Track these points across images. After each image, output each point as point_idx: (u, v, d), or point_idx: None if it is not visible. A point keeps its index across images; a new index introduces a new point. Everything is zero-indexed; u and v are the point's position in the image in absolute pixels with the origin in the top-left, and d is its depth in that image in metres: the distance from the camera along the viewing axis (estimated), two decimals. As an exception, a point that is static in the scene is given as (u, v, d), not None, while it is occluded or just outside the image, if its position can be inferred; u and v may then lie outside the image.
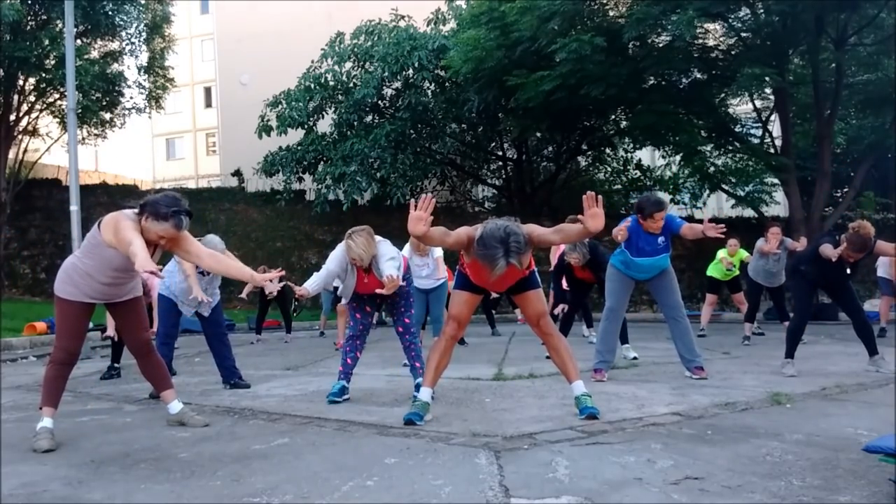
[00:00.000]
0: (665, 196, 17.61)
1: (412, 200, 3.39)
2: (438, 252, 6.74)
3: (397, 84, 16.58)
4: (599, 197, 3.34)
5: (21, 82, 16.48)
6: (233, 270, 3.77)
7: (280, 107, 16.65)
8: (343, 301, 4.85)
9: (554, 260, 7.20)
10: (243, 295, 9.79)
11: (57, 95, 16.82)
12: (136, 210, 3.47)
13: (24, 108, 17.07)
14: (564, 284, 7.11)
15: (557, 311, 7.11)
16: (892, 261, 8.31)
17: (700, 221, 4.88)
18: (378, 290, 4.27)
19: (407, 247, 6.40)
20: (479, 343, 8.58)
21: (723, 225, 4.71)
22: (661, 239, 5.10)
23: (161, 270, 5.36)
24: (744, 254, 8.72)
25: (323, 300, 11.16)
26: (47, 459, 3.15)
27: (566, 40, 11.50)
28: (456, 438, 3.29)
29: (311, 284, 4.40)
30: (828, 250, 5.11)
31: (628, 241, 5.08)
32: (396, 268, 4.30)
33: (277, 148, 17.02)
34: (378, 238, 4.47)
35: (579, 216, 3.41)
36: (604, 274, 5.57)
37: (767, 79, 12.16)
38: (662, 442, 3.15)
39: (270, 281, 3.80)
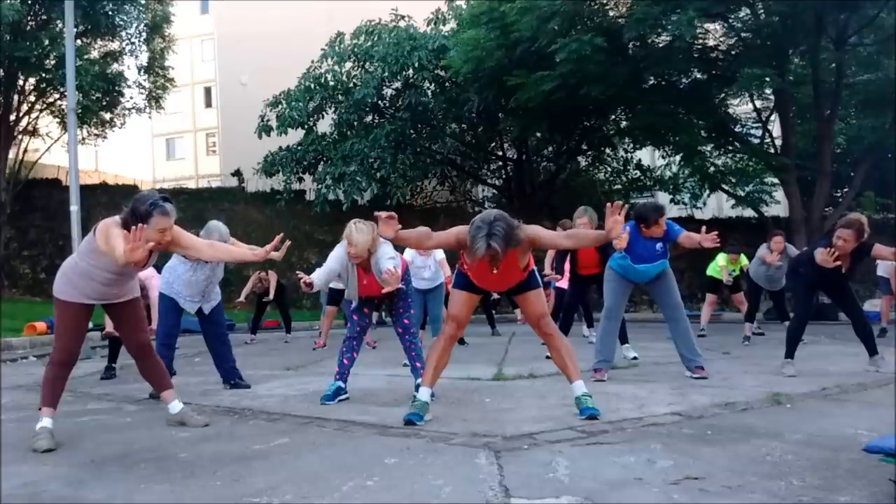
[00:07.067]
0: (664, 196, 17.65)
1: (378, 214, 3.48)
2: (440, 255, 6.76)
3: (397, 84, 16.56)
4: (624, 206, 3.39)
5: (21, 82, 16.48)
6: (235, 254, 3.88)
7: (280, 107, 16.63)
8: (348, 302, 4.84)
9: (549, 261, 7.09)
10: (241, 298, 9.76)
11: (57, 95, 16.82)
12: (123, 218, 3.46)
13: (24, 108, 17.07)
14: (564, 283, 7.09)
15: (548, 277, 6.85)
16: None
17: (700, 222, 4.90)
18: (383, 287, 4.26)
19: (408, 251, 6.40)
20: (479, 343, 8.57)
21: (716, 231, 4.73)
22: (658, 245, 5.15)
23: (161, 270, 5.42)
24: (744, 260, 8.72)
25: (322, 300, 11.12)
26: (47, 459, 3.15)
27: (566, 40, 11.49)
28: (456, 438, 3.29)
29: (317, 277, 4.44)
30: (821, 257, 5.06)
31: (628, 248, 5.11)
32: (394, 266, 4.30)
33: (277, 148, 17.00)
34: (381, 239, 4.47)
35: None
36: (610, 251, 5.56)
37: (767, 79, 12.14)
38: (662, 442, 3.15)
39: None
